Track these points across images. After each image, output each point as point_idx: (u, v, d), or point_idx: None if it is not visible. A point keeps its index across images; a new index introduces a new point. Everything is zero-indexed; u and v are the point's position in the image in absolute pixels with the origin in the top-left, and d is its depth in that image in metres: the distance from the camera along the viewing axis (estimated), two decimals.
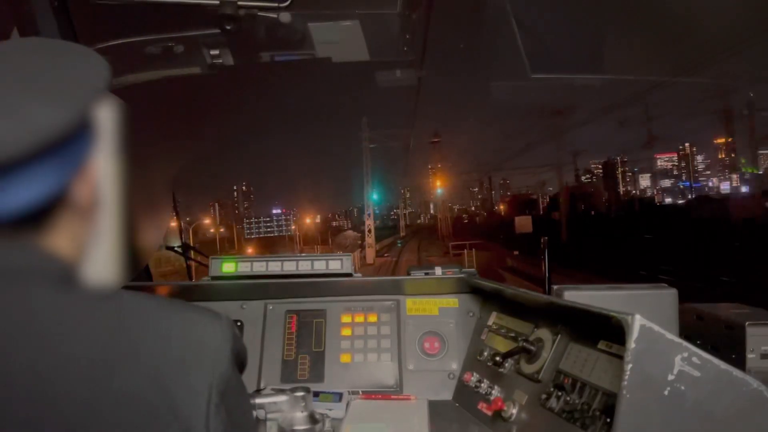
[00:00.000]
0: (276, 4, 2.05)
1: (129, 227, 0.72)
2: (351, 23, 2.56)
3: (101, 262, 0.69)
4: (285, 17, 2.12)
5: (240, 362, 0.69)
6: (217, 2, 1.95)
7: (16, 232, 0.62)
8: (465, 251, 25.00)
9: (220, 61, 2.55)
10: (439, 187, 69.72)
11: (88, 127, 0.66)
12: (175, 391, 0.59)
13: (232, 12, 1.95)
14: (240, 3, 1.95)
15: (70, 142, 0.62)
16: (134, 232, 0.73)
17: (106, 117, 0.69)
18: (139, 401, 0.57)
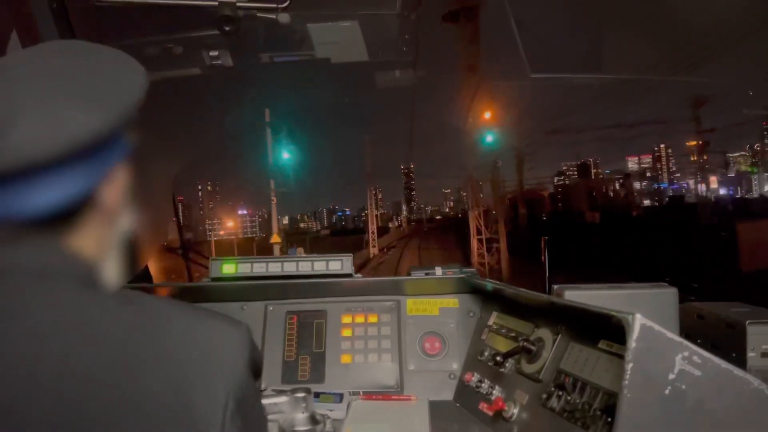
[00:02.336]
0: (275, 5, 2.05)
1: (131, 228, 0.72)
2: (350, 24, 2.56)
3: (117, 263, 0.70)
4: (284, 18, 2.12)
5: (256, 370, 0.70)
6: (216, 3, 1.95)
7: (43, 232, 0.62)
8: None
9: (219, 62, 2.55)
10: (488, 122, 17.95)
11: (124, 132, 0.66)
12: (193, 397, 0.59)
13: (230, 13, 1.95)
14: (239, 4, 1.95)
15: (106, 145, 0.63)
16: (135, 233, 0.74)
17: (135, 122, 0.69)
18: (158, 404, 0.58)
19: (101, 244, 0.68)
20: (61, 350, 0.57)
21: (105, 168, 0.64)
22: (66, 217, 0.63)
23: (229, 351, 0.64)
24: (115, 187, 0.67)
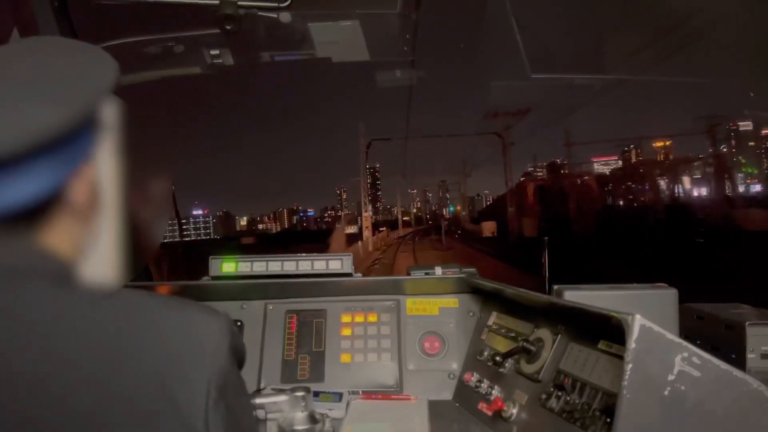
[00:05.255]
0: (276, 4, 2.05)
1: (131, 227, 0.72)
2: (351, 23, 2.55)
3: (103, 262, 0.69)
4: (285, 17, 2.11)
5: (239, 358, 0.70)
6: (217, 2, 1.94)
7: (12, 229, 0.62)
8: None
9: (220, 61, 2.55)
10: None
11: (90, 127, 0.65)
12: (175, 387, 0.59)
13: (232, 12, 1.95)
14: (240, 3, 1.95)
15: (70, 141, 0.62)
16: (136, 232, 0.73)
17: (110, 116, 0.68)
18: (139, 398, 0.58)
19: (75, 241, 0.67)
20: (41, 348, 0.57)
21: (73, 163, 0.64)
22: (34, 215, 0.62)
23: (208, 339, 0.64)
24: (85, 182, 0.66)
